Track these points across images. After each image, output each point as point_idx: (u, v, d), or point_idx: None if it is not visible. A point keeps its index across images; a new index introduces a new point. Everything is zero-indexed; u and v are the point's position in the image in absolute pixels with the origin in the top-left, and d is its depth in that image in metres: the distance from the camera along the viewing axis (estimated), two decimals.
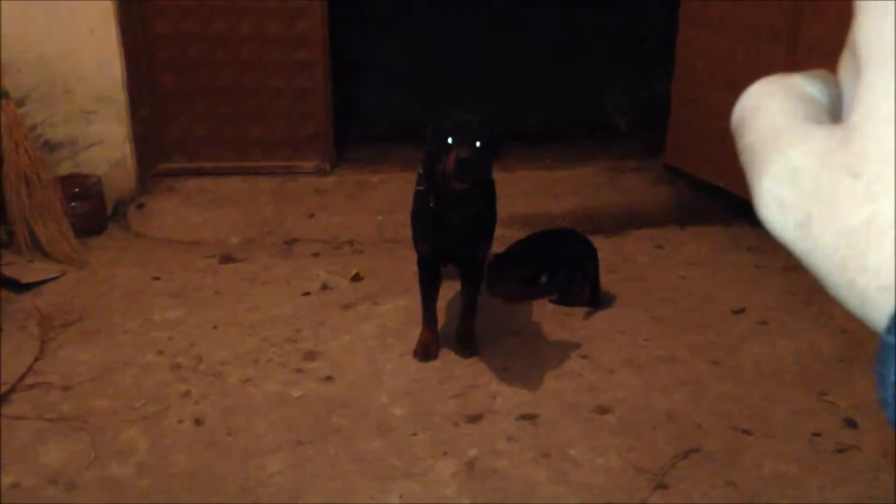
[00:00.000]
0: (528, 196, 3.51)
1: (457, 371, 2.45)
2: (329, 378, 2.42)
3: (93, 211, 3.37)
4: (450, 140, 2.18)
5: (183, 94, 3.56)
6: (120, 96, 3.41)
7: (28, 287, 2.92)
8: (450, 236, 2.39)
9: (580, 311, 2.75)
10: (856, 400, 2.24)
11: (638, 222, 3.38)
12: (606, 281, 2.88)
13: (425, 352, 2.51)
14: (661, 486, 1.97)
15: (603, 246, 3.25)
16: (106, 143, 3.45)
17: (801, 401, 2.26)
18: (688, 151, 3.54)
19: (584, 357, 2.50)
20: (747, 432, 2.13)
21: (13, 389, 2.32)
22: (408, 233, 3.33)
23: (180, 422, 2.22)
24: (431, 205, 2.34)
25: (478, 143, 2.19)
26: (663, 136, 3.68)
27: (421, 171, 2.41)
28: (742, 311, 2.74)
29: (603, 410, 2.25)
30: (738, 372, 2.40)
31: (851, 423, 2.15)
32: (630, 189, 3.61)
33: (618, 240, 3.32)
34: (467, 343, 2.52)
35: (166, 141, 3.61)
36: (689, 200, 3.57)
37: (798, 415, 2.20)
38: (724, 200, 3.34)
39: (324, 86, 3.61)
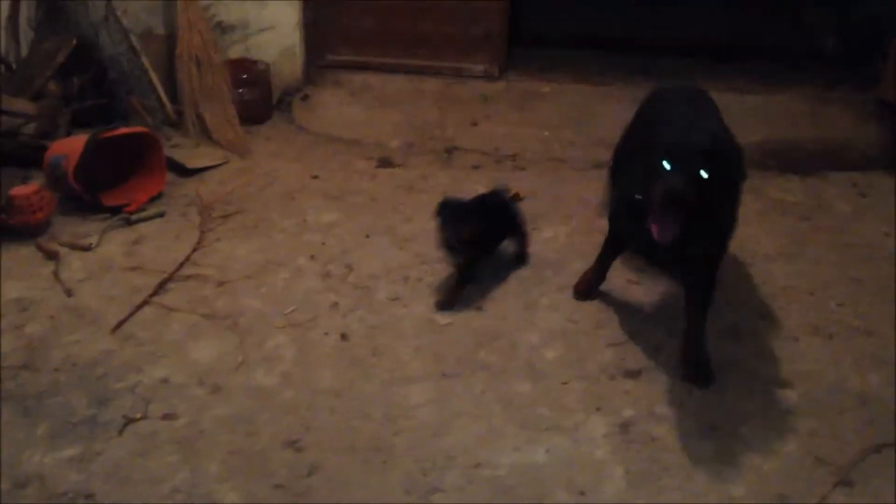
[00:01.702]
0: None
1: (617, 317, 2.23)
2: (479, 308, 2.26)
3: (259, 99, 3.30)
4: (664, 163, 1.69)
5: None
6: None
7: (192, 172, 2.91)
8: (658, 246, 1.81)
9: (761, 258, 2.45)
10: None
11: (840, 163, 2.95)
12: (797, 230, 2.54)
13: (586, 290, 2.27)
14: (845, 483, 1.71)
15: (797, 188, 2.87)
16: (277, 28, 3.34)
17: None
18: None
19: (765, 318, 2.21)
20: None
21: (171, 279, 2.32)
22: (577, 152, 3.09)
23: (327, 334, 2.14)
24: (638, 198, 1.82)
25: (703, 172, 1.68)
26: (879, 65, 3.16)
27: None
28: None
29: (783, 384, 1.98)
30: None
31: None
32: (833, 123, 3.15)
33: (814, 182, 2.91)
34: (698, 368, 1.97)
35: (335, 31, 3.45)
36: None
37: None
38: None
39: None
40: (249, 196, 2.78)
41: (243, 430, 1.84)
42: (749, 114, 3.05)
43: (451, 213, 2.20)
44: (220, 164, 2.98)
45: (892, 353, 2.07)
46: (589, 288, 2.28)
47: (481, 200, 2.33)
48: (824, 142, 3.01)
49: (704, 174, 1.67)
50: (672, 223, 1.69)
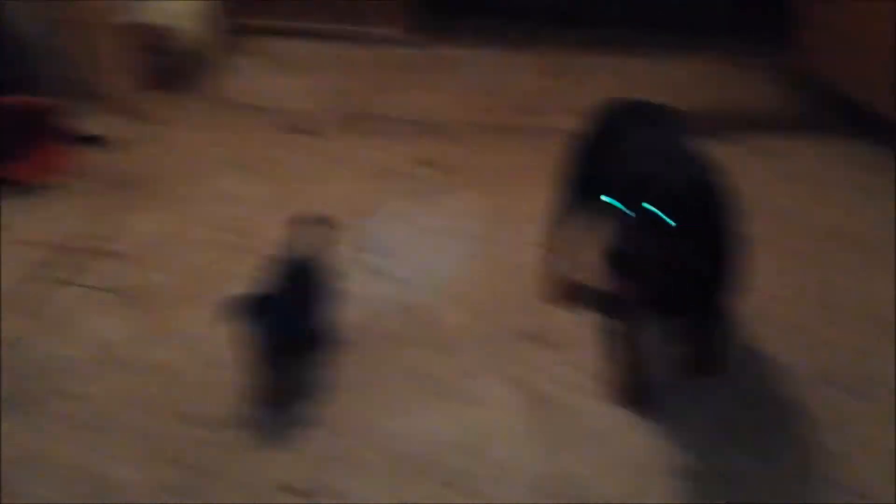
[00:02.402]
0: (625, 86, 3.15)
1: (530, 281, 2.23)
2: (383, 273, 2.25)
3: (170, 67, 3.20)
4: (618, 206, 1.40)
5: None
6: None
7: (98, 142, 2.81)
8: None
9: None
10: None
11: (748, 128, 3.00)
12: None
13: (631, 396, 1.76)
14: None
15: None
16: None
17: None
18: (816, 49, 3.08)
19: None
20: (851, 390, 1.87)
21: (75, 251, 2.26)
22: (504, 119, 3.06)
23: None
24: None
25: (675, 222, 1.36)
26: (789, 31, 3.21)
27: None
28: (857, 238, 2.41)
29: None
30: (843, 314, 2.12)
31: None
32: (742, 90, 3.20)
33: (728, 147, 2.96)
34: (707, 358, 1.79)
35: None
36: (808, 106, 3.13)
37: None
38: (849, 109, 2.92)
39: None
40: (159, 167, 2.72)
41: (143, 406, 1.81)
42: (658, 78, 3.09)
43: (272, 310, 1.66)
44: (128, 135, 2.90)
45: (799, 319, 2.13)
46: (635, 391, 1.77)
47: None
48: (736, 107, 3.06)
49: (672, 222, 1.36)
50: (633, 282, 1.42)
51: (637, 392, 1.78)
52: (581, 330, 2.02)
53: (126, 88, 3.00)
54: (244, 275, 2.17)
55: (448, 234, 2.43)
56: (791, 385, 1.90)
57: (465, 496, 1.62)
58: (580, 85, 3.19)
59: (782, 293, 2.15)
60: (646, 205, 1.38)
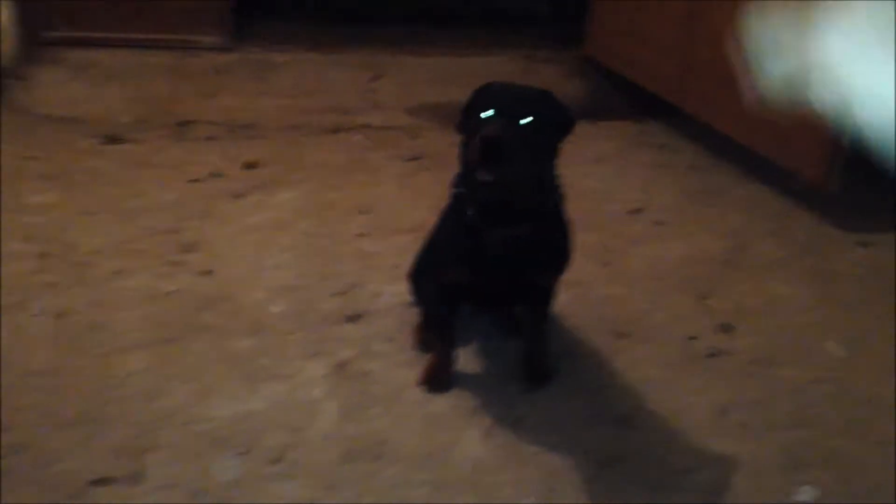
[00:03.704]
0: (435, 83, 3.30)
1: (343, 268, 2.32)
2: (207, 272, 2.27)
3: None
4: (483, 115, 1.57)
5: None
6: None
7: None
8: (493, 266, 1.71)
9: None
10: (734, 305, 2.19)
11: None
12: None
13: (437, 379, 1.88)
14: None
15: None
16: None
17: (682, 305, 2.20)
18: (606, 41, 3.35)
19: None
20: (623, 335, 2.08)
21: None
22: (312, 118, 3.14)
23: (41, 314, 2.06)
24: (469, 213, 1.67)
25: (522, 121, 1.56)
26: (584, 24, 3.47)
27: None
28: (639, 210, 2.65)
29: None
30: (625, 273, 2.33)
31: (726, 328, 2.11)
32: (543, 80, 3.42)
33: None
34: (544, 376, 1.90)
35: (53, 7, 3.26)
36: (603, 95, 3.41)
37: (677, 319, 2.15)
38: (639, 96, 3.20)
39: None
40: None
41: None
42: (466, 74, 3.25)
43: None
44: None
45: (578, 276, 2.31)
46: (439, 377, 1.89)
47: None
48: None
49: (524, 121, 1.55)
50: (491, 164, 1.53)
51: (441, 379, 1.89)
52: (396, 311, 2.11)
53: None
54: (59, 284, 2.16)
55: (273, 230, 2.47)
56: (583, 337, 2.07)
57: (291, 469, 1.67)
58: (394, 83, 3.31)
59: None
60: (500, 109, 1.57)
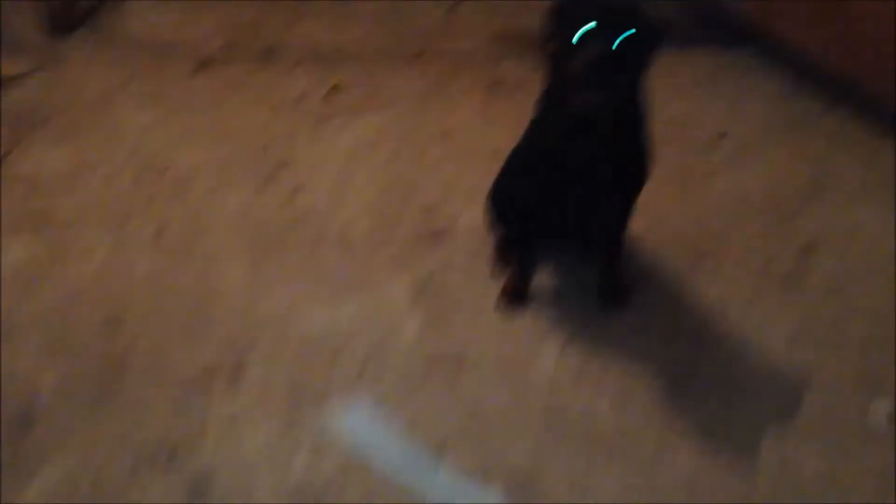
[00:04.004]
0: (520, 9, 3.29)
1: (425, 189, 2.39)
2: (297, 189, 2.37)
3: (63, 6, 3.19)
4: (577, 33, 1.47)
5: None
6: None
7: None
8: (573, 187, 1.72)
9: None
10: (816, 230, 2.18)
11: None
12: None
13: (515, 296, 1.94)
14: None
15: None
16: None
17: (762, 228, 2.20)
18: None
19: None
20: (701, 256, 2.10)
21: None
22: (395, 44, 3.19)
23: (143, 227, 2.21)
24: (553, 134, 1.66)
25: (623, 34, 1.45)
26: None
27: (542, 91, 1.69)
28: (723, 136, 2.62)
29: None
30: (706, 197, 2.33)
31: (806, 251, 2.11)
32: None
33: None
34: (615, 288, 1.96)
35: None
36: (689, 21, 3.32)
37: (756, 241, 2.15)
38: (726, 21, 3.12)
39: None
40: (61, 103, 2.74)
41: (59, 318, 1.91)
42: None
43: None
44: (26, 73, 2.91)
45: (658, 199, 2.33)
46: (516, 296, 1.96)
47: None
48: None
49: (627, 33, 1.44)
50: (597, 88, 1.47)
51: (519, 295, 1.96)
52: (476, 231, 2.18)
53: (27, 27, 2.99)
54: (158, 200, 2.30)
55: (358, 151, 2.55)
56: (661, 259, 2.11)
57: (377, 375, 1.78)
58: (477, 9, 3.31)
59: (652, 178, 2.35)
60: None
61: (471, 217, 2.25)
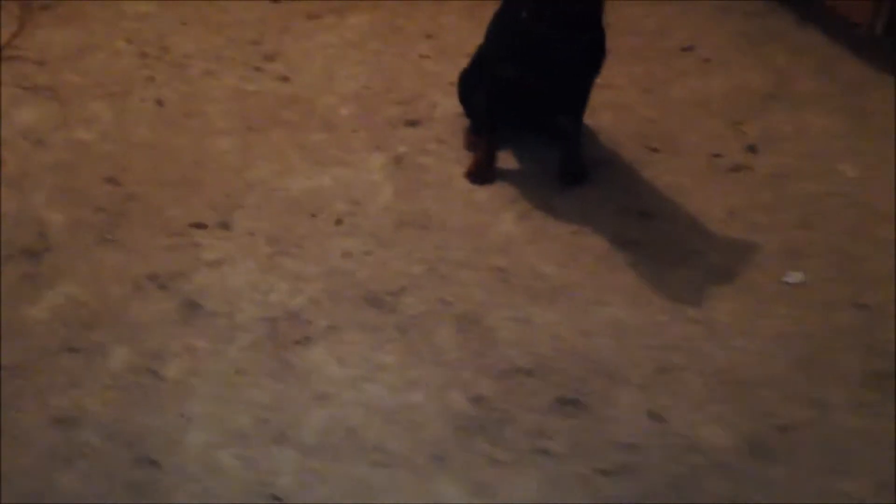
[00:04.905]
0: None
1: (406, 82, 2.60)
2: (285, 78, 2.59)
3: None
4: None
5: None
6: None
7: None
8: (539, 63, 1.97)
9: None
10: (764, 131, 2.41)
11: None
12: None
13: (481, 172, 2.17)
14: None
15: None
16: None
17: (714, 127, 2.43)
18: None
19: None
20: (655, 150, 2.33)
21: None
22: None
23: (143, 101, 2.43)
24: (523, 14, 1.93)
25: None
26: None
27: None
28: (691, 48, 2.83)
29: None
30: (666, 101, 2.55)
31: (752, 149, 2.34)
32: None
33: None
34: (577, 174, 2.18)
35: None
36: None
37: (707, 138, 2.38)
38: None
39: None
40: None
41: (65, 172, 2.15)
42: None
43: None
44: None
45: (622, 100, 2.55)
46: (481, 170, 2.19)
47: None
48: None
49: None
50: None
51: (485, 172, 2.20)
52: (451, 120, 2.41)
53: None
54: (158, 79, 2.52)
55: (344, 47, 2.76)
56: (620, 149, 2.34)
57: (352, 230, 2.03)
58: None
59: (618, 82, 2.57)
60: None
61: (447, 107, 2.47)
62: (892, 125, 2.43)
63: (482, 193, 2.18)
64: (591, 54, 2.04)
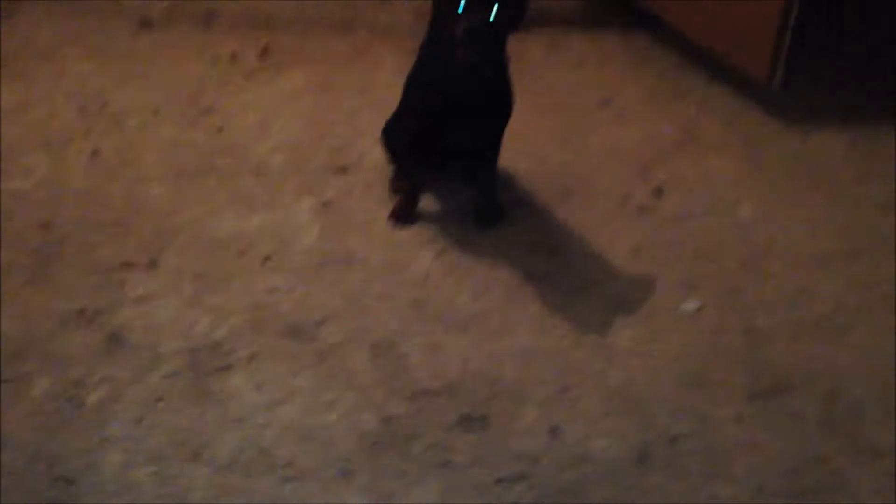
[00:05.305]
0: None
1: (338, 133, 2.77)
2: (220, 129, 2.74)
3: None
4: (461, 3, 1.94)
5: None
6: None
7: None
8: (453, 114, 2.17)
9: None
10: (671, 176, 2.61)
11: (540, 24, 3.59)
12: None
13: (403, 214, 2.33)
14: None
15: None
16: None
17: (625, 173, 2.62)
18: None
19: None
20: (569, 193, 2.51)
21: None
22: (328, 13, 3.57)
23: (79, 152, 2.56)
24: (435, 72, 2.14)
25: (493, 12, 1.95)
26: None
27: (426, 37, 2.18)
28: (608, 102, 3.04)
29: None
30: (582, 149, 2.75)
31: (659, 191, 2.53)
32: None
33: (519, 38, 3.55)
34: (492, 216, 2.35)
35: None
36: (597, 8, 3.76)
37: (618, 182, 2.57)
38: (629, 9, 3.56)
39: None
40: (11, 51, 3.08)
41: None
42: None
43: None
44: None
45: (539, 148, 2.74)
46: (405, 212, 2.34)
47: None
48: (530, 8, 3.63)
49: (495, 12, 1.97)
50: (474, 50, 1.98)
51: (407, 214, 2.36)
52: (378, 167, 2.57)
53: None
54: (94, 131, 2.65)
55: (280, 101, 2.92)
56: (534, 193, 2.52)
57: (277, 267, 2.16)
58: None
59: (537, 134, 2.76)
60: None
61: (375, 156, 2.63)
62: (786, 171, 2.65)
63: (404, 233, 2.33)
64: (499, 105, 2.22)
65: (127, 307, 2.01)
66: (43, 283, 2.06)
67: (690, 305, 2.09)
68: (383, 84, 3.11)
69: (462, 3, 1.96)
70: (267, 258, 2.19)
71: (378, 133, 2.68)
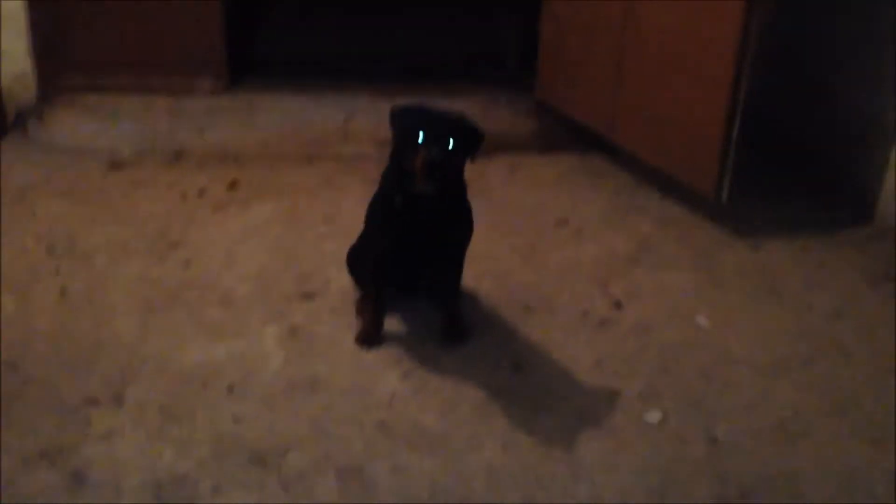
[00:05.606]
0: None
1: (303, 261, 2.85)
2: (188, 263, 2.81)
3: None
4: (420, 136, 2.09)
5: (83, 14, 3.86)
6: (21, 14, 3.73)
7: None
8: (414, 239, 2.27)
9: None
10: (629, 289, 2.70)
11: (500, 149, 3.78)
12: None
13: (369, 337, 2.40)
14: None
15: (468, 168, 3.67)
16: (6, 56, 3.76)
17: (584, 288, 2.71)
18: (553, 87, 3.94)
19: None
20: (531, 310, 2.58)
21: None
22: (292, 149, 3.73)
23: (47, 291, 2.61)
24: (397, 200, 2.23)
25: (450, 144, 2.12)
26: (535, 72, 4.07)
27: (387, 167, 2.32)
28: (565, 221, 3.17)
29: None
30: (542, 267, 2.85)
31: (618, 305, 2.61)
32: (498, 120, 4.00)
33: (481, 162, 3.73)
34: (459, 334, 2.42)
35: (68, 56, 3.91)
36: (551, 133, 3.97)
37: (578, 297, 2.65)
38: (582, 133, 3.77)
39: (217, 15, 3.93)
40: None
41: None
42: None
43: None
44: None
45: (502, 268, 2.83)
46: (370, 335, 2.41)
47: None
48: (490, 134, 3.83)
49: (452, 144, 2.13)
50: (433, 181, 2.11)
51: (372, 336, 2.43)
52: (344, 292, 2.64)
53: None
54: (63, 270, 2.71)
55: (246, 233, 3.02)
56: (497, 310, 2.58)
57: (242, 396, 2.18)
58: (365, 121, 3.91)
59: (499, 253, 2.87)
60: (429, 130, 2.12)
61: (341, 281, 2.71)
62: (739, 280, 2.76)
63: (371, 355, 2.37)
64: (459, 228, 2.33)
65: (90, 444, 2.01)
66: (7, 424, 2.06)
67: (653, 416, 2.13)
68: (349, 212, 3.22)
69: (421, 135, 2.12)
70: (232, 387, 2.21)
71: (342, 259, 2.77)
